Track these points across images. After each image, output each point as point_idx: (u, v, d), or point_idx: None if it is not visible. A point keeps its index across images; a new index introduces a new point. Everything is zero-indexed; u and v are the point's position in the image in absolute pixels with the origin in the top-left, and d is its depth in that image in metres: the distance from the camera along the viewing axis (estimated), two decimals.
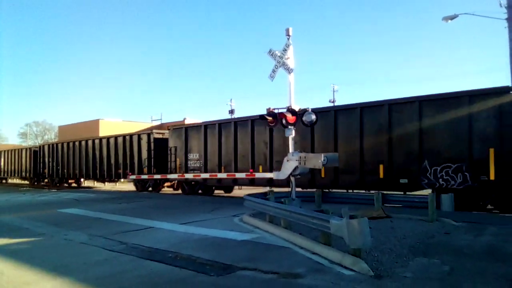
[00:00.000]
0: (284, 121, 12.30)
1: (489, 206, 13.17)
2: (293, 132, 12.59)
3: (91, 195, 24.34)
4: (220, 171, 20.67)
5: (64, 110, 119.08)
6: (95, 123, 44.25)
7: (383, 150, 14.80)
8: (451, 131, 13.29)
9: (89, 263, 7.64)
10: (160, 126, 45.88)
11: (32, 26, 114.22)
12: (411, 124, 14.25)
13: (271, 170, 17.49)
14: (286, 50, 12.62)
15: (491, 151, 12.39)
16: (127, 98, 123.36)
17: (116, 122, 45.27)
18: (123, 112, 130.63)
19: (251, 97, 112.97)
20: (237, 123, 20.37)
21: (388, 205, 12.77)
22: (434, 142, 13.61)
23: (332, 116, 16.33)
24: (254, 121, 19.15)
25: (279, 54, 12.70)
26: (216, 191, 23.48)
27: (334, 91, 53.89)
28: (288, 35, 12.70)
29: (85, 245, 9.37)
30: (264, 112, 12.93)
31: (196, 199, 20.31)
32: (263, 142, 18.94)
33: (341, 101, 61.33)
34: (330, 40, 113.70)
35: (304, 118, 12.41)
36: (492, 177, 12.31)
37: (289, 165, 12.25)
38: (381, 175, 14.53)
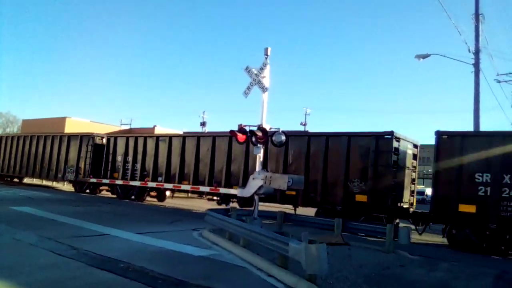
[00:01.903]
0: (253, 139, 12.28)
1: None
2: (262, 150, 12.58)
3: (46, 194, 23.45)
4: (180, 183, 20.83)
5: (31, 104, 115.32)
6: (61, 121, 42.87)
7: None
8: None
9: (36, 266, 7.30)
10: (129, 131, 45.05)
11: (6, 16, 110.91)
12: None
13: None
14: (263, 69, 12.68)
15: None
16: (98, 99, 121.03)
17: (83, 122, 44.03)
18: (92, 113, 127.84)
19: (224, 111, 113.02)
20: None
21: (346, 233, 12.86)
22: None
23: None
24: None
25: (255, 72, 12.74)
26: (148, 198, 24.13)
27: (306, 114, 54.64)
28: (266, 55, 12.79)
29: (34, 246, 8.98)
30: (235, 128, 12.89)
31: (157, 208, 19.88)
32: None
33: (312, 124, 62.25)
34: (306, 64, 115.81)
35: (274, 138, 12.42)
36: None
37: (254, 183, 12.19)
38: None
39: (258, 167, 12.56)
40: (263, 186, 11.89)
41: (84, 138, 26.34)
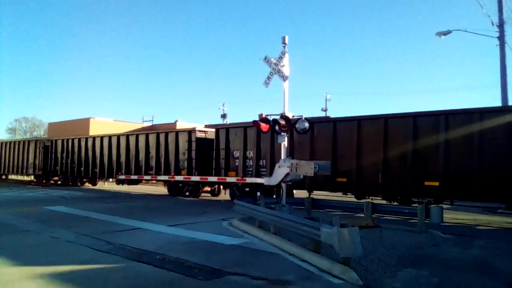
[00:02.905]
0: (277, 128, 12.30)
1: None
2: (286, 138, 12.60)
3: (78, 193, 24.07)
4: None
5: (55, 107, 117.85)
6: (85, 122, 43.67)
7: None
8: None
9: (76, 262, 7.53)
10: (152, 128, 45.65)
11: (25, 20, 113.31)
12: None
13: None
14: (281, 57, 12.64)
15: None
16: (119, 98, 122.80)
17: (107, 122, 44.76)
18: (114, 111, 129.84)
19: (243, 102, 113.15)
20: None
21: (377, 214, 12.80)
22: None
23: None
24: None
25: (274, 62, 12.71)
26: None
27: (326, 100, 54.20)
28: (284, 43, 12.73)
29: (71, 243, 9.25)
30: (257, 118, 12.94)
31: (184, 201, 20.18)
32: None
33: (333, 110, 61.79)
34: (324, 49, 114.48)
35: (297, 126, 12.43)
36: None
37: (281, 171, 12.23)
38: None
39: (283, 155, 12.58)
40: (290, 173, 11.93)
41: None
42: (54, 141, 33.11)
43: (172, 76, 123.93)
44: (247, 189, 19.07)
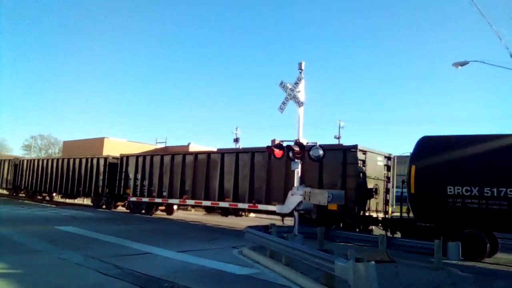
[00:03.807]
0: (291, 154, 12.18)
1: None
2: (299, 165, 12.44)
3: (89, 213, 24.04)
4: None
5: (70, 126, 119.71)
6: (100, 141, 44.11)
7: None
8: None
9: (82, 286, 7.39)
10: (165, 149, 45.84)
11: (44, 40, 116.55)
12: None
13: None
14: (297, 83, 12.66)
15: None
16: (134, 118, 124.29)
17: (121, 142, 45.18)
18: (128, 132, 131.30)
19: (256, 127, 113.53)
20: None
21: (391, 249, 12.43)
22: None
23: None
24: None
25: (290, 87, 12.73)
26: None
27: (340, 127, 54.02)
28: (301, 69, 12.77)
29: (80, 266, 9.11)
30: (269, 144, 12.89)
31: (194, 226, 19.97)
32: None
33: (346, 137, 61.48)
34: (338, 76, 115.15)
35: (311, 153, 12.29)
36: None
37: (293, 199, 12.06)
38: None
39: (296, 182, 12.41)
40: (303, 202, 11.74)
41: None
42: (21, 161, 39.92)
43: (187, 98, 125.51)
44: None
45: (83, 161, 30.69)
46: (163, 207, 25.67)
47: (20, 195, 39.07)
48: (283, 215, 16.57)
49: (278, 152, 12.75)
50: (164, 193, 23.35)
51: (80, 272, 8.54)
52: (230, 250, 12.31)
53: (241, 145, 48.68)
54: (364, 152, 16.42)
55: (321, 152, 12.45)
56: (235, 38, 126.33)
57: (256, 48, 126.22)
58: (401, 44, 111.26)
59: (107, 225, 17.73)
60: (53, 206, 30.12)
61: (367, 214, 16.08)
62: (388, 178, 17.99)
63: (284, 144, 12.86)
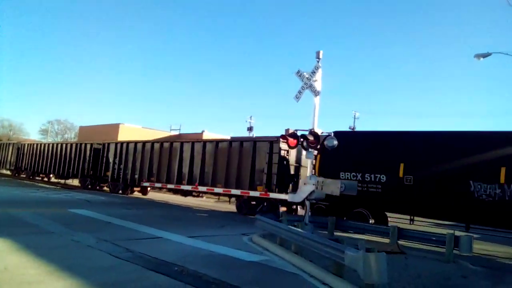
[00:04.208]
0: (305, 144, 12.12)
1: None
2: (313, 155, 12.39)
3: (102, 197, 24.37)
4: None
5: (87, 111, 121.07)
6: (115, 127, 44.56)
7: None
8: None
9: (94, 268, 7.49)
10: (179, 137, 46.09)
11: (61, 27, 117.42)
12: None
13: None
14: (314, 72, 12.54)
15: None
16: (150, 105, 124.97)
17: (135, 128, 45.58)
18: (144, 118, 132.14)
19: (270, 116, 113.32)
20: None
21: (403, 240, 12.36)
22: None
23: None
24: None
25: (307, 76, 12.61)
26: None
27: (355, 118, 53.58)
28: (318, 58, 12.64)
29: (91, 248, 9.24)
30: (283, 133, 12.87)
31: (205, 212, 20.11)
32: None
33: (361, 128, 60.91)
34: (355, 67, 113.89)
35: (326, 143, 12.23)
36: None
37: (306, 188, 12.03)
38: None
39: (309, 172, 12.37)
40: (315, 191, 11.70)
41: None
42: (22, 144, 41.87)
43: (202, 86, 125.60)
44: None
45: (74, 146, 33.99)
46: (138, 188, 28.75)
47: (22, 175, 41.52)
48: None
49: (292, 141, 12.70)
50: (136, 176, 26.44)
51: (92, 254, 8.66)
52: (240, 237, 12.37)
53: (255, 133, 48.70)
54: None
55: (335, 142, 12.36)
56: (252, 26, 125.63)
57: (273, 36, 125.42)
58: (419, 37, 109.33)
59: (119, 209, 17.96)
60: (49, 186, 32.57)
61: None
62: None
63: (299, 133, 12.82)
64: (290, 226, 10.40)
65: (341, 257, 6.96)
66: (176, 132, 52.18)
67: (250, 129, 54.82)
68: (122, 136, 40.07)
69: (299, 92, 12.82)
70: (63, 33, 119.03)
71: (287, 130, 13.26)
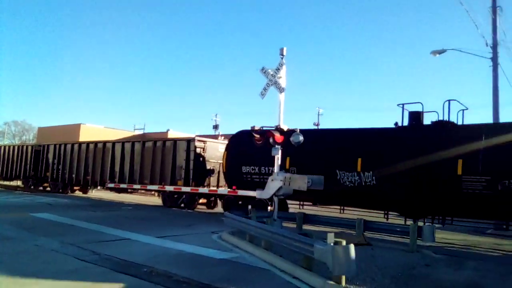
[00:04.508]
0: (271, 140, 12.19)
1: None
2: (280, 151, 12.47)
3: (65, 200, 23.65)
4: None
5: (46, 112, 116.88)
6: (76, 128, 43.26)
7: None
8: None
9: (60, 272, 7.27)
10: (143, 136, 45.29)
11: (16, 23, 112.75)
12: None
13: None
14: (279, 69, 12.62)
15: None
16: (113, 105, 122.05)
17: (97, 128, 44.42)
18: (107, 118, 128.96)
19: (236, 114, 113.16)
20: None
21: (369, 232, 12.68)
22: None
23: None
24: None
25: (271, 73, 12.67)
26: None
27: (319, 115, 54.34)
28: (282, 55, 12.73)
29: (56, 252, 8.97)
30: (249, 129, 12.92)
31: (172, 211, 19.90)
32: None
33: (325, 125, 61.88)
34: (318, 63, 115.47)
35: (292, 139, 12.32)
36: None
37: (273, 185, 12.11)
38: None
39: (276, 168, 12.45)
40: (283, 187, 11.81)
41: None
42: None
43: (166, 84, 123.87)
44: None
45: (16, 148, 34.34)
46: (78, 187, 29.92)
47: None
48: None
49: (258, 138, 12.76)
50: (73, 175, 27.80)
51: (56, 258, 8.41)
52: (209, 235, 12.32)
53: (221, 131, 48.51)
54: (204, 142, 21.42)
55: (301, 138, 12.50)
56: (214, 24, 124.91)
57: (236, 34, 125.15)
58: (380, 32, 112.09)
59: (83, 212, 17.49)
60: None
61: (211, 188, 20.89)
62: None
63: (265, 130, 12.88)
64: (259, 223, 10.46)
65: (311, 251, 7.06)
66: (140, 132, 51.23)
67: (215, 127, 54.62)
68: (84, 137, 38.95)
69: (264, 89, 12.88)
70: (15, 30, 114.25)
71: (252, 127, 13.33)
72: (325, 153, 15.60)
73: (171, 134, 42.90)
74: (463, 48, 21.44)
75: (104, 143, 26.16)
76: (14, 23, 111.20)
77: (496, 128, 13.93)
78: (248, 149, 17.05)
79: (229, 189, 18.72)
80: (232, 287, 6.71)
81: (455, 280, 8.04)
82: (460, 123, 14.09)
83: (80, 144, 28.19)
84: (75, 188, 29.90)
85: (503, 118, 19.45)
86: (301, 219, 13.55)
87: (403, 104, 14.35)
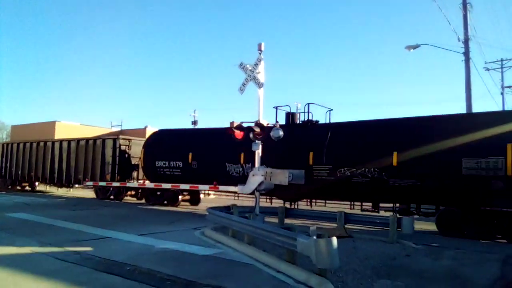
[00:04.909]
0: (251, 135, 12.21)
1: None
2: (260, 146, 12.51)
3: (43, 199, 23.16)
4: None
5: (19, 109, 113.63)
6: (51, 125, 42.19)
7: None
8: None
9: (40, 273, 7.13)
10: (120, 133, 44.61)
11: None
12: None
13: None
14: (257, 64, 12.63)
15: None
16: (87, 102, 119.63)
17: (73, 125, 43.48)
18: (82, 115, 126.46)
19: (215, 109, 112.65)
20: None
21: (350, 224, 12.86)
22: None
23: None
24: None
25: (250, 68, 12.68)
26: None
27: (297, 109, 54.51)
28: (260, 50, 12.73)
29: (35, 253, 8.78)
30: (227, 126, 12.91)
31: (153, 209, 19.74)
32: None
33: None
34: (296, 58, 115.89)
35: (271, 134, 12.39)
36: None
37: (254, 179, 12.16)
38: None
39: (257, 163, 12.49)
40: (264, 182, 11.85)
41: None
42: None
43: (143, 80, 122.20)
44: None
45: None
46: (26, 183, 31.87)
47: None
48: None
49: (238, 134, 12.75)
50: (19, 172, 29.95)
51: (36, 259, 8.24)
52: (192, 231, 12.28)
53: (199, 127, 48.14)
54: (129, 140, 24.18)
55: (281, 133, 12.58)
56: (193, 18, 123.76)
57: (215, 29, 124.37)
58: (355, 26, 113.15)
59: (62, 211, 17.17)
60: None
61: (136, 181, 23.45)
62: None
63: (244, 125, 12.88)
64: (242, 218, 10.48)
65: (294, 245, 7.12)
66: (118, 128, 50.38)
67: (194, 122, 54.17)
68: (59, 134, 38.04)
69: (243, 84, 12.88)
70: None
71: (231, 123, 13.31)
72: (216, 149, 18.27)
73: (149, 131, 42.37)
74: (436, 43, 21.86)
75: (45, 142, 28.65)
76: None
77: (337, 126, 16.13)
78: (160, 146, 20.70)
79: (155, 184, 20.77)
80: (216, 283, 6.71)
81: (435, 270, 8.25)
82: (327, 121, 16.88)
83: (25, 143, 30.37)
84: (23, 184, 31.96)
85: (476, 111, 19.98)
86: (283, 213, 13.64)
87: (276, 107, 16.95)
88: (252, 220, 10.15)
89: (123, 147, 23.51)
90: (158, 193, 21.21)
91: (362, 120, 16.00)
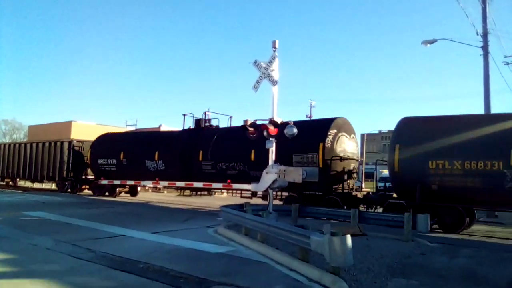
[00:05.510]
0: (265, 133, 12.14)
1: None
2: (274, 144, 12.44)
3: (58, 198, 23.47)
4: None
5: (36, 110, 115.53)
6: (67, 125, 42.81)
7: None
8: None
9: (56, 271, 7.22)
10: (135, 131, 44.92)
11: (8, 20, 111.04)
12: None
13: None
14: (271, 62, 12.55)
15: None
16: (103, 101, 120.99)
17: (89, 125, 44.03)
18: (97, 114, 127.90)
19: (228, 108, 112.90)
20: None
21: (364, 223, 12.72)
22: None
23: None
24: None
25: (264, 66, 12.60)
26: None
27: (311, 107, 54.33)
28: (274, 47, 12.65)
29: (51, 251, 8.90)
30: (241, 124, 12.87)
31: (168, 208, 19.87)
32: None
33: (318, 116, 61.86)
34: (310, 57, 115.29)
35: (285, 131, 12.31)
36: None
37: (268, 177, 12.10)
38: None
39: (271, 161, 12.42)
40: (277, 180, 11.80)
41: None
42: None
43: (158, 80, 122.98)
44: None
45: None
46: (9, 179, 35.52)
47: None
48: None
49: (252, 131, 12.69)
50: (5, 170, 33.69)
51: (52, 257, 8.35)
52: (205, 229, 12.30)
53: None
54: (83, 142, 28.35)
55: (295, 130, 12.48)
56: (208, 17, 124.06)
57: (230, 27, 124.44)
58: (372, 23, 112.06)
59: (78, 209, 17.37)
60: None
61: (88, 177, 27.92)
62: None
63: (258, 123, 12.81)
64: (255, 216, 10.46)
65: (307, 243, 7.06)
66: (133, 128, 50.83)
67: (207, 121, 54.27)
68: (75, 134, 38.59)
69: (257, 82, 12.80)
70: (8, 27, 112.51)
71: (245, 121, 13.24)
72: (139, 148, 23.11)
73: (164, 129, 42.62)
74: (454, 38, 21.42)
75: (19, 144, 33.56)
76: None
77: (223, 130, 20.59)
78: (102, 147, 25.27)
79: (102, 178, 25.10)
80: (229, 281, 6.69)
81: (451, 268, 8.11)
82: (229, 125, 21.51)
83: (5, 145, 35.53)
84: (6, 180, 35.63)
85: (494, 107, 19.62)
86: (296, 212, 13.57)
87: (184, 115, 21.99)
88: (265, 218, 10.12)
89: (77, 148, 28.20)
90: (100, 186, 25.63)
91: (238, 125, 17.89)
